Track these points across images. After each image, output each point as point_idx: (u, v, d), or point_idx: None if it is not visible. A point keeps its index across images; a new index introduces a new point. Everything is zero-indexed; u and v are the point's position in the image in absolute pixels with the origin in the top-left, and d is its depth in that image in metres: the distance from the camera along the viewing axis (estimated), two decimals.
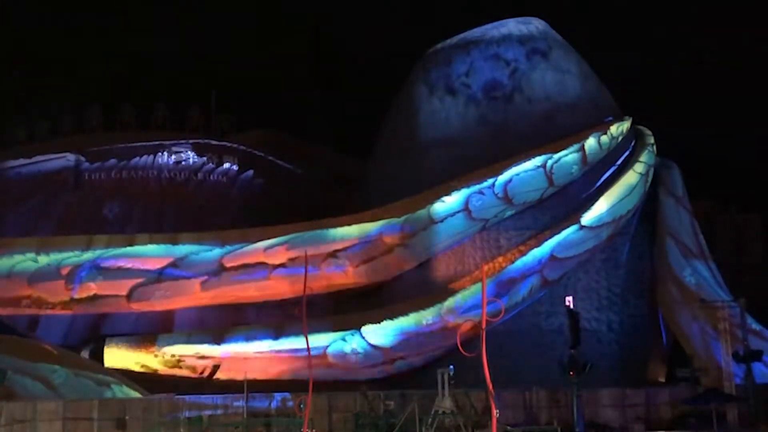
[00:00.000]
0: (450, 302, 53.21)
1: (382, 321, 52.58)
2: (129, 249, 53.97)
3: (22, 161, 63.45)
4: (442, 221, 55.65)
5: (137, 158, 64.41)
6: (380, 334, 52.43)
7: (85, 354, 51.40)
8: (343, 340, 51.99)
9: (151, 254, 54.11)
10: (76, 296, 53.28)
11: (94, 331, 54.20)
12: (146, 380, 48.03)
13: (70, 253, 53.55)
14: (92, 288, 53.22)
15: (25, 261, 53.30)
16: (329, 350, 51.45)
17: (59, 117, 66.47)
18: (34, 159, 63.30)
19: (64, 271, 53.29)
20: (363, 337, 52.30)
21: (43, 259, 53.24)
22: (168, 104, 67.44)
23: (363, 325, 52.32)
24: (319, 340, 50.07)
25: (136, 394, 46.14)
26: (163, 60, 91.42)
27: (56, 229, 60.77)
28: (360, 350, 52.24)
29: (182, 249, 54.56)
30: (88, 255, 53.51)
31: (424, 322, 52.84)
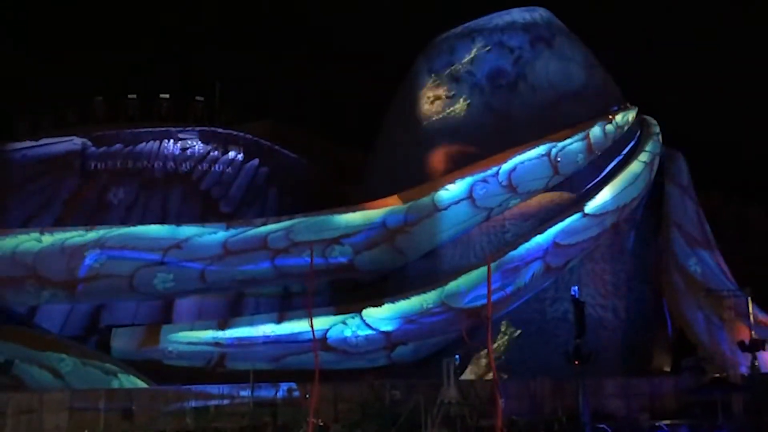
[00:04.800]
0: (452, 286, 52.97)
1: (383, 305, 52.49)
2: (133, 229, 53.96)
3: (28, 143, 63.50)
4: (446, 209, 55.50)
5: (143, 144, 64.46)
6: (381, 318, 52.26)
7: (91, 344, 51.51)
8: (344, 323, 51.92)
9: (156, 235, 54.06)
10: (80, 276, 53.24)
11: (93, 320, 54.27)
12: (152, 370, 48.14)
13: (74, 233, 53.50)
14: (96, 268, 53.19)
15: (29, 241, 53.21)
16: (329, 334, 51.40)
17: (63, 110, 66.60)
18: (40, 142, 63.42)
19: (69, 251, 53.22)
20: (363, 321, 52.14)
21: (47, 239, 53.17)
22: (172, 97, 67.56)
23: (363, 308, 52.23)
24: (319, 324, 50.00)
25: (142, 384, 46.31)
26: (167, 53, 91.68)
27: (61, 214, 60.95)
28: (361, 334, 52.14)
29: (186, 231, 54.50)
30: (92, 235, 53.48)
31: (425, 306, 52.64)
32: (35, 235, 53.29)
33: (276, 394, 44.45)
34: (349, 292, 55.95)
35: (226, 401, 43.58)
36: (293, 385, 44.68)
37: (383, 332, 52.34)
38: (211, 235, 54.42)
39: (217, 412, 42.73)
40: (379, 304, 52.42)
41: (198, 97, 68.04)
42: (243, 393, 43.54)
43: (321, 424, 41.25)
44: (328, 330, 51.33)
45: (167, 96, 67.37)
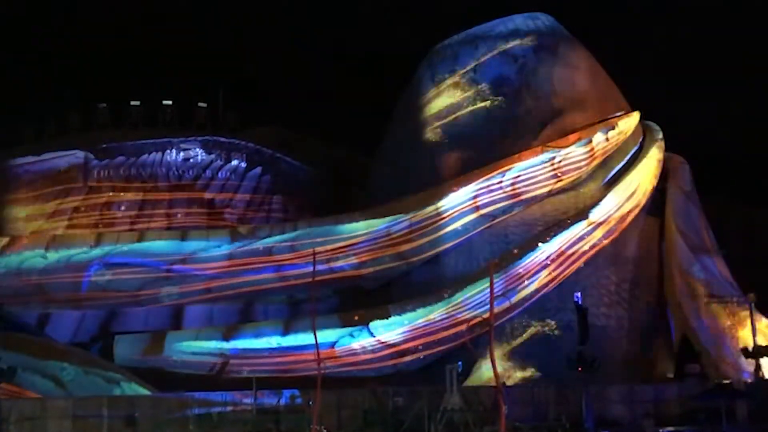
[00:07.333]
0: (458, 297, 53.03)
1: (389, 317, 52.47)
2: (137, 246, 53.98)
3: (31, 158, 63.60)
4: (449, 216, 55.52)
5: (146, 155, 64.49)
6: (388, 329, 52.31)
7: (94, 351, 51.48)
8: (351, 336, 51.91)
9: (160, 251, 54.10)
10: (85, 293, 53.32)
11: (104, 328, 54.34)
12: (155, 377, 48.10)
13: (79, 250, 53.56)
14: (101, 285, 53.26)
15: (35, 258, 53.35)
16: (337, 346, 51.36)
17: (67, 115, 66.60)
18: (43, 156, 63.45)
19: (73, 268, 53.30)
20: (371, 333, 52.20)
21: (53, 256, 53.26)
22: (175, 102, 67.48)
23: (371, 321, 52.21)
24: (327, 336, 49.97)
25: (145, 391, 46.24)
26: (171, 58, 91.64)
27: (66, 227, 61.07)
28: (368, 346, 52.13)
29: (191, 245, 54.53)
30: (97, 252, 53.55)
31: (431, 318, 52.69)
32: (40, 251, 53.34)
33: (279, 401, 44.37)
34: (355, 298, 55.92)
35: (229, 408, 43.49)
36: (296, 392, 44.61)
37: (390, 344, 52.35)
38: (216, 249, 54.46)
39: (220, 419, 42.65)
40: (385, 316, 52.41)
41: (201, 104, 67.95)
42: (246, 400, 43.47)
43: (324, 431, 41.18)
44: (335, 342, 51.28)
45: (170, 102, 67.30)
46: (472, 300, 52.53)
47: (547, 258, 55.05)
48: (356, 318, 52.50)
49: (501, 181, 55.92)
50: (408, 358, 52.85)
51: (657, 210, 59.45)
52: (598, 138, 57.90)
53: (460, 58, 61.55)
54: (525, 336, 55.00)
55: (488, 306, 43.36)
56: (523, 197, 56.38)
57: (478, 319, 46.24)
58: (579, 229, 55.89)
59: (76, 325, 54.62)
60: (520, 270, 54.31)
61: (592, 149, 57.76)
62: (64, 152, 63.47)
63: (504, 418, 37.24)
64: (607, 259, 57.08)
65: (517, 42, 61.12)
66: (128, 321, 54.72)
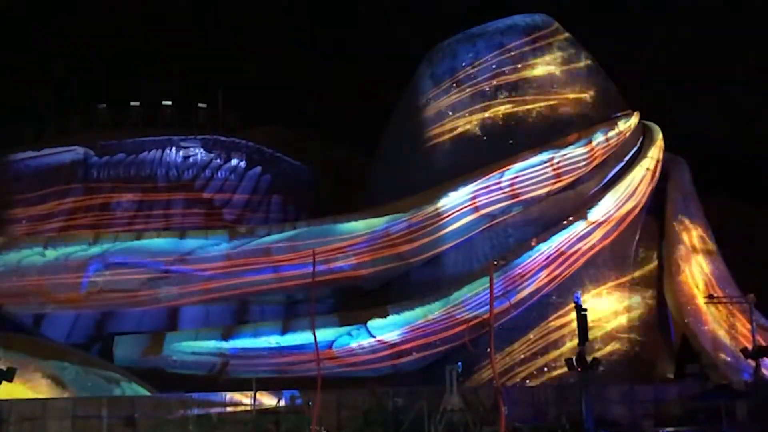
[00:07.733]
0: (456, 296, 53.00)
1: (388, 316, 52.45)
2: (136, 243, 53.88)
3: (30, 154, 63.46)
4: (448, 217, 55.50)
5: (145, 153, 64.44)
6: (386, 328, 52.28)
7: (93, 352, 51.45)
8: (349, 335, 51.87)
9: (159, 249, 54.03)
10: (84, 291, 53.23)
11: (99, 328, 54.28)
12: (155, 378, 48.10)
13: (78, 248, 53.46)
14: (99, 283, 53.19)
15: (33, 255, 53.27)
16: (335, 345, 51.33)
17: (67, 116, 66.60)
18: (42, 152, 63.35)
19: (72, 266, 53.21)
20: (369, 332, 52.16)
21: (51, 254, 53.17)
22: (175, 103, 67.48)
23: (369, 320, 52.19)
24: (325, 336, 49.91)
25: (145, 392, 46.24)
26: (171, 58, 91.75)
27: (64, 223, 61.01)
28: (366, 345, 52.11)
29: (189, 243, 54.45)
30: (96, 249, 53.45)
31: (430, 317, 52.66)
32: (39, 249, 53.25)
33: (279, 401, 44.38)
34: (354, 298, 55.90)
35: (228, 409, 43.51)
36: (296, 393, 44.61)
37: (389, 343, 52.31)
38: (215, 247, 54.41)
39: (219, 420, 42.67)
40: (384, 315, 52.38)
41: (201, 104, 67.96)
42: (246, 401, 43.48)
43: (324, 431, 41.19)
44: (333, 341, 51.22)
45: (170, 103, 67.29)
46: (471, 300, 52.51)
47: (547, 258, 54.98)
48: (355, 318, 52.43)
49: (500, 181, 55.86)
50: (407, 358, 52.80)
51: (657, 210, 59.43)
52: (598, 138, 57.90)
53: (459, 57, 61.58)
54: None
55: (488, 306, 43.42)
56: (522, 197, 56.30)
57: (479, 320, 46.24)
58: (578, 229, 55.84)
59: (70, 325, 54.46)
60: (520, 270, 54.24)
61: (592, 149, 57.72)
62: (63, 148, 63.38)
63: (504, 418, 37.26)
64: (606, 258, 57.06)
65: (515, 40, 61.14)
66: (123, 321, 54.54)
